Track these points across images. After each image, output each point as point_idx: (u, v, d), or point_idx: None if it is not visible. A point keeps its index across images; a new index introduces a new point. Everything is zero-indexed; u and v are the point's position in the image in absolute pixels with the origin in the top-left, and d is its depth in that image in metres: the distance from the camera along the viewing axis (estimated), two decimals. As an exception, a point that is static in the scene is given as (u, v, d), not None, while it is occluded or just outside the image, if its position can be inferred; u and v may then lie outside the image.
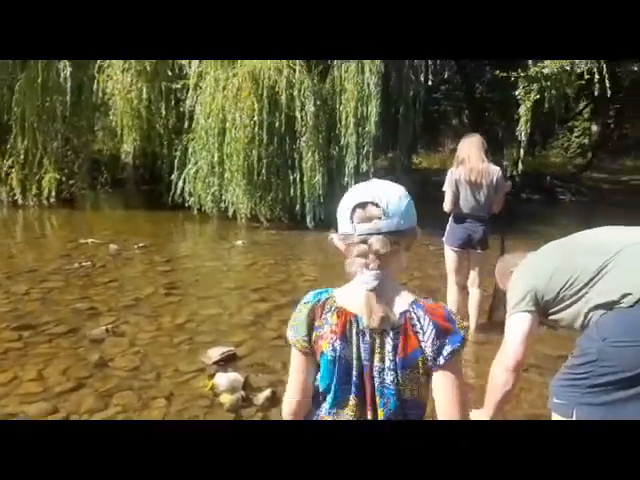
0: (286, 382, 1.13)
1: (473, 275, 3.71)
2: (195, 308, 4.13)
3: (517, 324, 1.76)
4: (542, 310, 1.74)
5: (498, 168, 3.56)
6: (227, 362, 3.06)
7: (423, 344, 0.96)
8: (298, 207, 8.01)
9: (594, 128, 17.43)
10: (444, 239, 3.71)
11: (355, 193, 1.03)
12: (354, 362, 1.00)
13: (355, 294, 1.00)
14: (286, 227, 8.03)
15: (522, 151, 10.17)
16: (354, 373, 1.00)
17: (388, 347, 0.98)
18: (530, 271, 1.82)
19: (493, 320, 3.79)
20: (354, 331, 1.00)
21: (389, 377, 0.99)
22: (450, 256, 3.69)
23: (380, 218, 0.97)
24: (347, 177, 8.02)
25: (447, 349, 0.96)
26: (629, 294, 1.56)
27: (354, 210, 1.00)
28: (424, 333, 0.96)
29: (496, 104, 12.07)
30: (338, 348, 1.00)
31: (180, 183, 8.51)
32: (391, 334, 0.98)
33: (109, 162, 11.10)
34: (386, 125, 8.99)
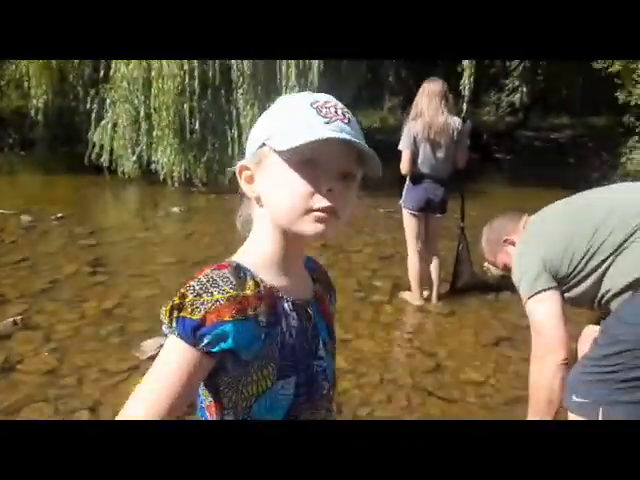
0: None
1: (431, 241, 3.44)
2: (126, 289, 3.58)
3: (545, 306, 1.47)
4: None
5: (458, 119, 3.22)
6: (167, 356, 2.62)
7: None
8: (238, 167, 7.41)
9: (524, 88, 17.79)
10: (401, 202, 3.37)
11: None
12: None
13: None
14: (227, 190, 7.42)
15: (465, 106, 10.06)
16: None
17: None
18: (541, 241, 1.53)
19: (456, 288, 3.59)
20: None
21: None
22: (409, 221, 3.37)
23: None
24: (290, 134, 7.49)
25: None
26: None
27: None
28: None
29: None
30: None
31: (97, 140, 7.53)
32: None
33: (16, 120, 9.70)
34: (329, 77, 8.44)
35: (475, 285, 3.65)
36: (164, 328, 0.65)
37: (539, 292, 1.47)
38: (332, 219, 0.65)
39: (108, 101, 7.44)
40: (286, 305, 0.70)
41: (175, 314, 0.63)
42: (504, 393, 2.36)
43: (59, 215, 5.60)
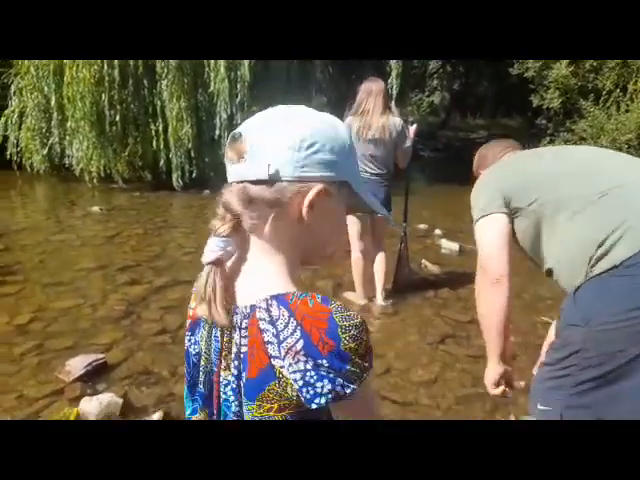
0: (178, 392, 0.87)
1: (376, 239, 3.42)
2: (42, 300, 3.19)
3: (490, 225, 1.42)
4: None
5: (400, 120, 3.23)
6: (95, 376, 2.34)
7: (277, 363, 0.59)
8: (163, 163, 6.99)
9: (443, 90, 18.71)
10: None
11: None
12: (202, 363, 0.70)
13: None
14: (151, 188, 6.99)
15: (393, 105, 10.32)
16: (201, 379, 0.70)
17: (233, 354, 0.64)
18: (503, 171, 1.51)
19: (399, 285, 3.59)
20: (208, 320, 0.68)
21: (233, 404, 0.64)
22: (353, 223, 3.32)
23: (243, 158, 0.63)
24: (219, 129, 7.19)
25: (324, 386, 0.58)
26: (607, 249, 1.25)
27: (227, 146, 0.67)
28: (279, 345, 0.58)
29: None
30: (187, 339, 0.73)
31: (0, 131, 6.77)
32: (237, 336, 0.63)
33: None
34: (259, 72, 8.22)
35: (414, 283, 3.69)
36: (349, 389, 0.59)
37: (488, 215, 1.42)
38: None
39: (12, 88, 6.67)
40: None
41: (367, 361, 0.60)
42: (454, 392, 2.37)
43: (-45, 216, 4.94)
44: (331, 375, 0.57)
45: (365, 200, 0.69)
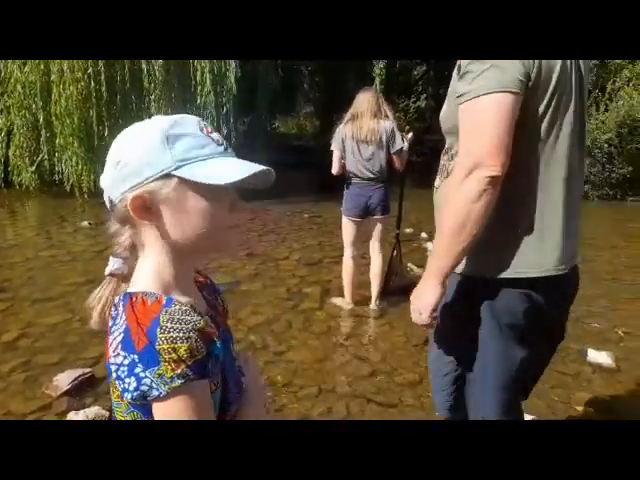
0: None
1: (373, 242, 3.45)
2: (31, 316, 3.21)
3: (499, 108, 1.00)
4: None
5: (391, 124, 3.27)
6: (82, 390, 2.36)
7: (110, 353, 0.64)
8: (153, 176, 7.02)
9: (427, 95, 18.80)
10: (342, 209, 3.39)
11: None
12: None
13: None
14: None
15: (387, 109, 10.39)
16: None
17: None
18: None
19: (388, 290, 3.62)
20: None
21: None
22: (347, 227, 3.37)
23: None
24: (207, 141, 7.24)
25: (130, 382, 0.61)
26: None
27: None
28: (110, 337, 0.65)
29: (352, 65, 12.02)
30: None
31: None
32: None
33: None
34: (244, 84, 8.31)
35: (401, 286, 3.73)
36: (156, 392, 0.60)
37: (501, 92, 0.99)
38: (241, 231, 0.75)
39: (0, 106, 6.72)
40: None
41: (182, 369, 0.60)
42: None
43: (-56, 236, 4.94)
44: (140, 373, 0.59)
45: (204, 181, 0.64)
